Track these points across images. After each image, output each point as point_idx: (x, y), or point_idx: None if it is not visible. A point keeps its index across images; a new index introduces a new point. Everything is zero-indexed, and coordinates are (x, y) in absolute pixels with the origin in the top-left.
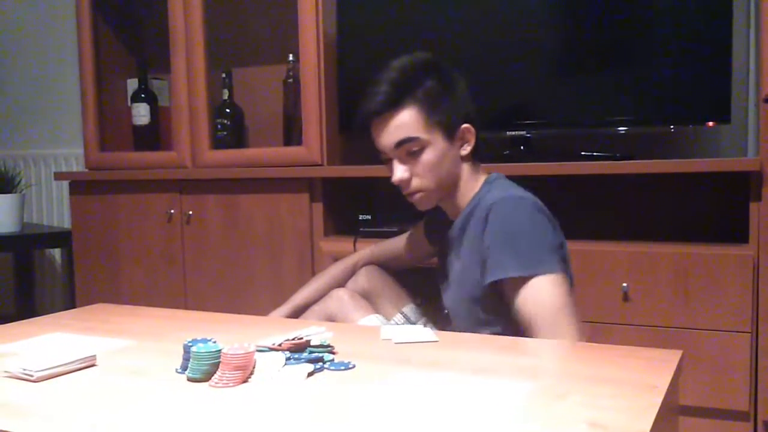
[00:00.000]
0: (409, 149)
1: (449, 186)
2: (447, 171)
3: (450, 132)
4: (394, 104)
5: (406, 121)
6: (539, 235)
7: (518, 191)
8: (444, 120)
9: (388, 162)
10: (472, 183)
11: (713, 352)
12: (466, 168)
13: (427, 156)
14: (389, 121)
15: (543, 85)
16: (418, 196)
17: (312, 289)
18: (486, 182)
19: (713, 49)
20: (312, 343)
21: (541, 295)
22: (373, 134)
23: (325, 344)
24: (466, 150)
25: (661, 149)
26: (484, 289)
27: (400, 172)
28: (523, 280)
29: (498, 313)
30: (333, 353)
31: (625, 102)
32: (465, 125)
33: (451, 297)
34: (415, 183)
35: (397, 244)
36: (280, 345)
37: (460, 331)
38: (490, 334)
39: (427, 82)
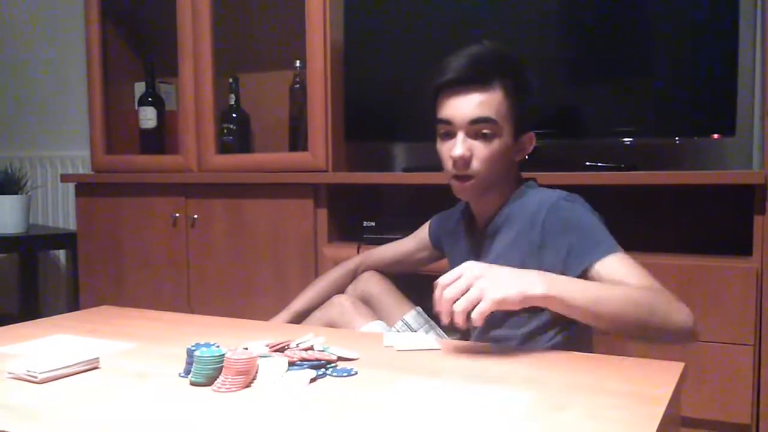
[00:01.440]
0: (482, 130)
1: (495, 182)
2: (502, 167)
3: (518, 132)
4: (486, 79)
5: (492, 102)
6: (599, 224)
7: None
8: (518, 119)
9: (445, 137)
10: (511, 187)
11: (716, 365)
12: (513, 173)
13: (496, 144)
14: (474, 93)
15: (548, 95)
16: (469, 183)
17: (311, 295)
18: (526, 185)
19: (719, 61)
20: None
21: (624, 263)
22: (445, 101)
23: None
24: (519, 156)
25: (666, 161)
26: None
27: (464, 148)
28: (601, 263)
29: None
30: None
31: (630, 113)
32: (530, 133)
33: None
34: (475, 166)
35: (398, 248)
36: (298, 357)
37: (485, 327)
38: (537, 324)
39: (517, 77)
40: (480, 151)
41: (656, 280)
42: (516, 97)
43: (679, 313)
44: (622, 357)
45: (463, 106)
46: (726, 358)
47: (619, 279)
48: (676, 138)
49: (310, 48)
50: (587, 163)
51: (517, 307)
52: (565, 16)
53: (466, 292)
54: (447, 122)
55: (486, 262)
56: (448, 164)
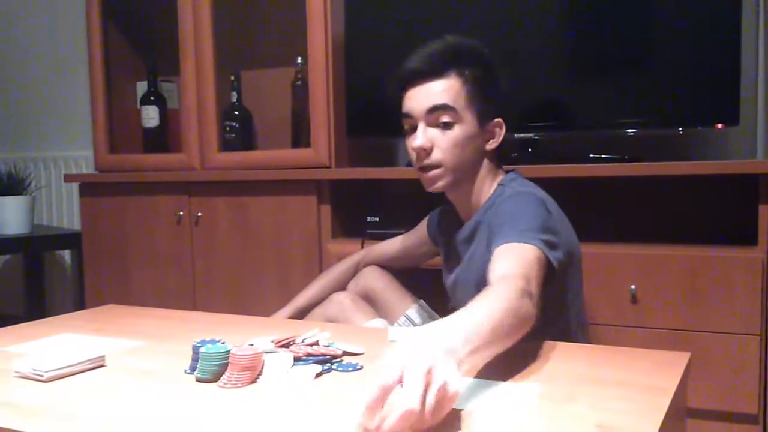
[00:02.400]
0: (441, 118)
1: (466, 174)
2: (468, 156)
3: (483, 119)
4: (441, 70)
5: (448, 90)
6: (527, 217)
7: (526, 188)
8: (481, 106)
9: (410, 132)
10: (488, 182)
11: (722, 355)
12: (486, 163)
13: (456, 132)
14: (431, 84)
15: (551, 87)
16: (433, 173)
17: (314, 291)
18: (500, 184)
19: (722, 51)
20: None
21: (509, 254)
22: (406, 96)
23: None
24: (492, 145)
25: (670, 151)
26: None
27: (423, 138)
28: (499, 248)
29: None
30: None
31: (633, 104)
32: (497, 119)
33: (457, 298)
34: (436, 155)
35: (399, 243)
36: (304, 352)
37: None
38: None
39: (477, 66)
40: (441, 140)
41: (528, 279)
42: (476, 84)
43: (522, 313)
44: (627, 348)
45: (420, 97)
46: (732, 348)
47: (492, 266)
48: (680, 128)
49: (311, 44)
50: (591, 155)
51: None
52: (567, 8)
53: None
54: (408, 116)
55: (462, 266)
56: (413, 157)
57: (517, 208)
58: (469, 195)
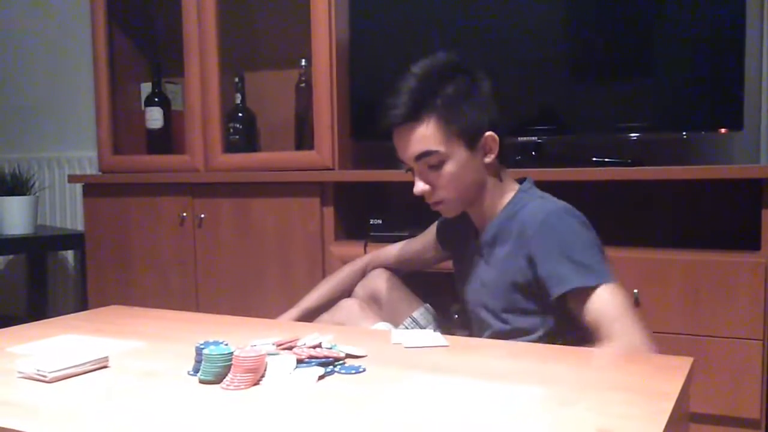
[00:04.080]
0: (429, 162)
1: (473, 194)
2: (470, 180)
3: (472, 141)
4: (412, 116)
5: (425, 135)
6: (591, 246)
7: (560, 203)
8: (465, 129)
9: (410, 171)
10: (500, 190)
11: (724, 360)
12: (492, 175)
13: (448, 168)
14: (408, 133)
15: (554, 91)
16: (441, 206)
17: (321, 293)
18: (520, 190)
19: (726, 55)
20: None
21: (605, 300)
22: (394, 144)
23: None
24: (490, 158)
25: (673, 156)
26: (528, 291)
27: (420, 185)
28: (586, 291)
29: (542, 309)
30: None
31: (637, 108)
32: (488, 133)
33: (482, 301)
34: (438, 194)
35: (406, 247)
36: (306, 355)
37: (492, 334)
38: (530, 329)
39: (447, 88)
40: (436, 180)
41: (636, 318)
42: (452, 111)
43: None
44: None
45: (402, 146)
46: (735, 353)
47: (594, 320)
48: (684, 132)
49: (315, 46)
50: (594, 159)
51: None
52: (571, 12)
53: None
54: (401, 160)
55: (488, 269)
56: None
57: (571, 235)
58: (483, 207)
